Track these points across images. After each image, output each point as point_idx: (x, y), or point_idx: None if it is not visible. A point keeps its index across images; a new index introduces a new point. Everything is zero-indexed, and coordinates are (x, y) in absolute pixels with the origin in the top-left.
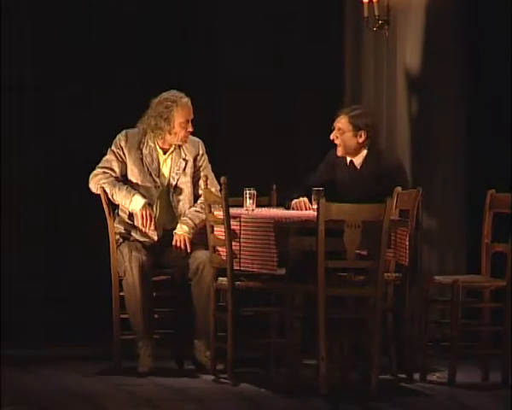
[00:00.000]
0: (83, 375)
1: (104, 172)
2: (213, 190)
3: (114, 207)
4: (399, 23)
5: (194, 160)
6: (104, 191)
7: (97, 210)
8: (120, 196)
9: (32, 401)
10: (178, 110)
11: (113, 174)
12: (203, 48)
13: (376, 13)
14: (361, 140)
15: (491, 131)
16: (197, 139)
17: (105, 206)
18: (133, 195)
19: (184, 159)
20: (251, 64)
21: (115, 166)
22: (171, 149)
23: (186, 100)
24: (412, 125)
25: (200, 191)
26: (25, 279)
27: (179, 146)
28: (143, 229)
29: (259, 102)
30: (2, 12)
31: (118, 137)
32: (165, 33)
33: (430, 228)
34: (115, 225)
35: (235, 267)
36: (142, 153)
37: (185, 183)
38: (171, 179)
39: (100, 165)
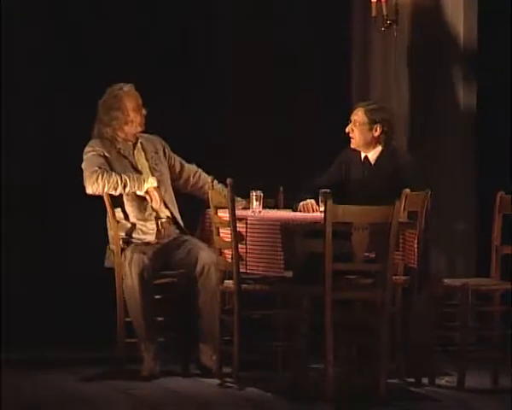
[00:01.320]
0: (86, 378)
1: (101, 169)
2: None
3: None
4: (408, 23)
5: (163, 152)
6: (107, 193)
7: (101, 211)
8: (132, 183)
9: (33, 406)
10: (127, 96)
11: (108, 168)
12: (208, 50)
13: (384, 12)
14: (376, 134)
15: (500, 131)
16: (154, 136)
17: (108, 208)
18: (142, 176)
19: (156, 152)
20: (257, 65)
21: (103, 161)
22: (138, 143)
23: (130, 85)
24: (421, 125)
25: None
26: (26, 281)
27: (143, 140)
28: (157, 205)
29: (266, 103)
30: (2, 12)
31: (89, 146)
32: (168, 35)
33: (439, 230)
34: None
35: (242, 270)
36: (116, 149)
37: (165, 173)
38: (153, 170)
39: (88, 168)
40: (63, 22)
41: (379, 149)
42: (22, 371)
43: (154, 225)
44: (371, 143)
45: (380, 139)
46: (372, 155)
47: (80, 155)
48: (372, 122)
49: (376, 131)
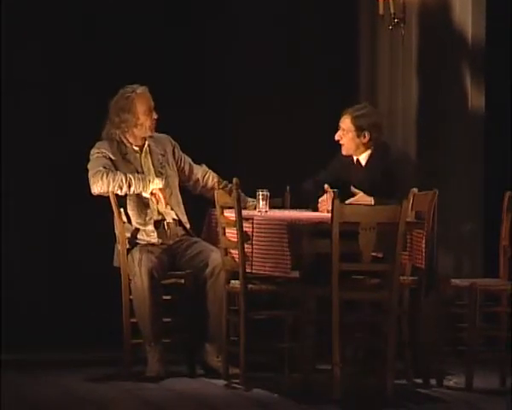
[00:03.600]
0: (91, 379)
1: (105, 168)
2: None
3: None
4: (415, 21)
5: (173, 152)
6: (113, 193)
7: (106, 211)
8: (137, 183)
9: (37, 407)
10: (139, 98)
11: (113, 169)
12: (214, 50)
13: (392, 11)
14: (364, 140)
15: (508, 131)
16: (164, 134)
17: (114, 208)
18: (147, 177)
19: (163, 154)
20: (263, 64)
21: (109, 162)
22: (145, 146)
23: (143, 87)
24: (428, 124)
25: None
26: (30, 283)
27: (151, 141)
28: (163, 207)
29: (272, 102)
30: (7, 11)
31: (95, 147)
32: (175, 38)
33: (446, 230)
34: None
35: (248, 270)
36: (122, 153)
37: (171, 175)
38: (158, 174)
39: (93, 168)
40: (65, 22)
41: (369, 152)
42: (26, 372)
43: (154, 228)
44: (361, 149)
45: (369, 144)
46: (363, 157)
47: (86, 155)
48: (359, 129)
49: (365, 137)
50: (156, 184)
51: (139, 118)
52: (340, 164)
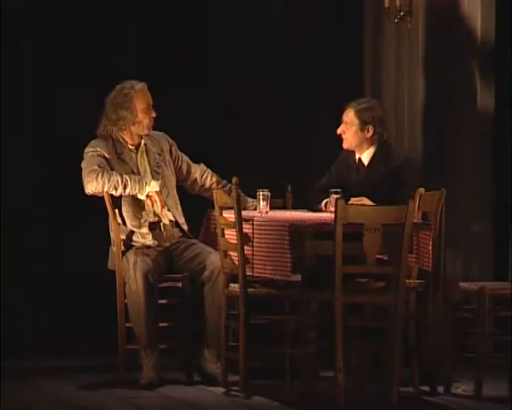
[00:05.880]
0: (87, 387)
1: (101, 167)
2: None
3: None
4: (422, 14)
5: (170, 151)
6: (107, 193)
7: (101, 214)
8: (133, 185)
9: None
10: (138, 96)
11: (109, 168)
12: (215, 47)
13: (398, 3)
14: (368, 135)
15: None
16: (161, 132)
17: (109, 209)
18: (144, 179)
19: (160, 153)
20: (266, 61)
21: (104, 161)
22: (141, 145)
23: (142, 84)
24: (435, 122)
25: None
26: (25, 288)
27: (148, 140)
28: (159, 210)
29: (274, 100)
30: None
31: (90, 146)
32: (174, 32)
33: (454, 231)
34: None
35: (248, 273)
36: (117, 152)
37: (168, 175)
38: (154, 173)
39: (87, 167)
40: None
41: (372, 150)
42: (21, 379)
43: (149, 230)
44: (364, 144)
45: (373, 140)
46: (366, 156)
47: (82, 154)
48: (363, 123)
49: (369, 132)
50: (153, 186)
51: (137, 116)
52: (341, 166)
